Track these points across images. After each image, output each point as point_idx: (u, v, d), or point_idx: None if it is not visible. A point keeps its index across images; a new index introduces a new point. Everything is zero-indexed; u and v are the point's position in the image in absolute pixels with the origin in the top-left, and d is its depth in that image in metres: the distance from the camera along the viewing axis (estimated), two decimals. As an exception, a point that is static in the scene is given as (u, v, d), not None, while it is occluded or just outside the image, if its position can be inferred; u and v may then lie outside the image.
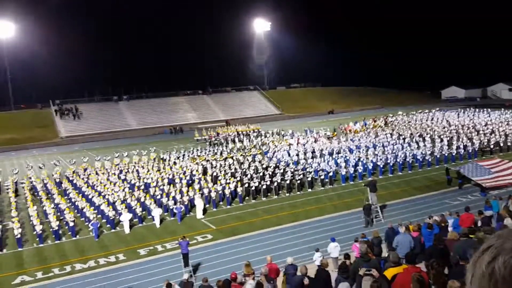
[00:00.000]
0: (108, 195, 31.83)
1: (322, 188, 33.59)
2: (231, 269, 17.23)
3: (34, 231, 26.41)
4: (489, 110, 66.09)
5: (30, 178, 40.44)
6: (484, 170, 31.18)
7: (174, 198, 30.23)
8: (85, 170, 41.79)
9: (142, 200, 30.37)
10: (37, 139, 72.72)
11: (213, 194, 30.76)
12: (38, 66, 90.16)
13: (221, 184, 32.42)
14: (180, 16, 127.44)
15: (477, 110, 67.68)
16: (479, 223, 16.44)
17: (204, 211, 29.37)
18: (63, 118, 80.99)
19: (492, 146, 42.08)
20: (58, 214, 29.33)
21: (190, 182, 35.77)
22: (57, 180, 39.17)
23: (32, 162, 51.12)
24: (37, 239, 25.90)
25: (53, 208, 29.84)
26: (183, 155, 45.69)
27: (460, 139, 44.18)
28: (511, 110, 64.36)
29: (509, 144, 43.04)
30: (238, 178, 34.15)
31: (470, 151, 40.44)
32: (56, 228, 26.19)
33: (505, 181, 30.16)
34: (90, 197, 32.31)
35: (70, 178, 39.47)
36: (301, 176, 33.91)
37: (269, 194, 32.35)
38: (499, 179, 30.33)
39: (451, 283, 5.78)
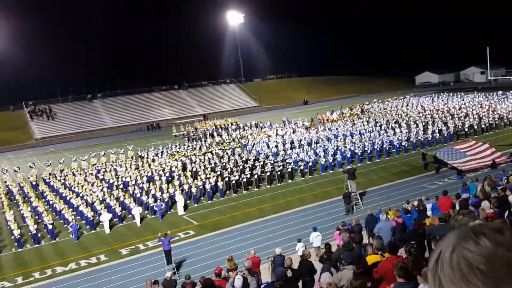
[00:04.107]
0: (87, 195, 31.37)
1: (302, 178, 33.75)
2: (215, 264, 17.18)
3: (12, 235, 25.93)
4: (462, 93, 67.20)
5: (6, 182, 39.59)
6: (460, 154, 31.75)
7: (154, 195, 29.97)
8: (61, 171, 41.09)
9: (121, 199, 30.04)
10: (11, 141, 71.17)
11: (193, 190, 30.60)
12: (8, 67, 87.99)
13: (201, 179, 32.28)
14: (153, 11, 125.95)
15: (450, 94, 68.77)
16: (457, 206, 16.72)
17: (185, 207, 29.24)
18: (37, 119, 79.43)
19: (466, 129, 42.85)
20: (36, 217, 28.82)
21: (170, 178, 35.51)
22: (34, 183, 38.45)
23: (7, 165, 50.03)
24: (16, 243, 25.44)
25: (30, 211, 29.30)
26: (162, 151, 45.30)
27: (435, 124, 44.91)
28: (483, 93, 65.59)
29: (483, 126, 43.91)
30: (218, 173, 34.05)
31: (446, 135, 41.13)
32: (35, 231, 25.71)
33: (480, 163, 30.78)
34: (68, 198, 31.79)
35: (47, 180, 38.76)
36: (281, 167, 34.00)
37: (249, 187, 32.36)
38: (474, 161, 30.94)
39: (425, 270, 5.82)
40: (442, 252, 1.23)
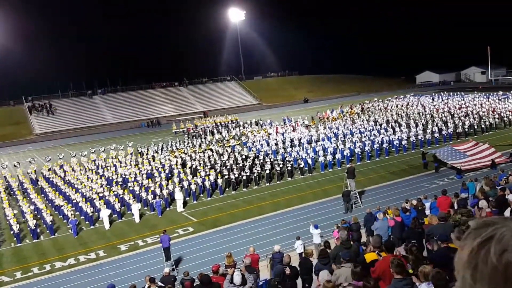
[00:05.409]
0: (86, 191, 31.41)
1: (302, 176, 33.76)
2: (213, 261, 17.22)
3: (11, 230, 25.94)
4: (462, 93, 67.17)
5: (5, 177, 39.60)
6: (459, 154, 31.73)
7: (153, 192, 29.99)
8: (61, 167, 41.11)
9: (120, 195, 30.06)
10: (10, 137, 71.21)
11: (193, 187, 30.63)
12: (9, 62, 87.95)
13: (201, 177, 32.30)
14: (154, 7, 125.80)
15: (451, 94, 68.73)
16: (456, 206, 16.74)
17: (185, 204, 29.25)
18: (37, 114, 79.41)
19: (466, 129, 42.84)
20: (35, 212, 28.83)
21: (170, 175, 35.52)
22: (33, 178, 38.46)
23: (6, 160, 50.05)
24: (15, 238, 25.45)
25: (29, 206, 29.31)
26: (162, 148, 45.32)
27: (435, 123, 44.88)
28: (484, 93, 65.57)
29: (483, 126, 43.89)
30: (218, 170, 34.05)
31: (445, 134, 41.11)
32: (34, 227, 25.74)
33: (480, 164, 30.79)
34: (67, 194, 31.82)
35: (47, 176, 38.77)
36: (281, 165, 34.02)
37: (249, 184, 32.38)
38: (474, 162, 30.94)
39: (422, 268, 5.84)
40: (492, 247, 1.17)
